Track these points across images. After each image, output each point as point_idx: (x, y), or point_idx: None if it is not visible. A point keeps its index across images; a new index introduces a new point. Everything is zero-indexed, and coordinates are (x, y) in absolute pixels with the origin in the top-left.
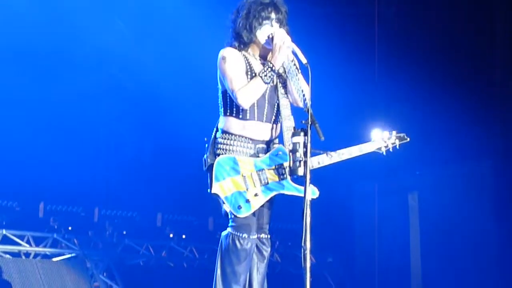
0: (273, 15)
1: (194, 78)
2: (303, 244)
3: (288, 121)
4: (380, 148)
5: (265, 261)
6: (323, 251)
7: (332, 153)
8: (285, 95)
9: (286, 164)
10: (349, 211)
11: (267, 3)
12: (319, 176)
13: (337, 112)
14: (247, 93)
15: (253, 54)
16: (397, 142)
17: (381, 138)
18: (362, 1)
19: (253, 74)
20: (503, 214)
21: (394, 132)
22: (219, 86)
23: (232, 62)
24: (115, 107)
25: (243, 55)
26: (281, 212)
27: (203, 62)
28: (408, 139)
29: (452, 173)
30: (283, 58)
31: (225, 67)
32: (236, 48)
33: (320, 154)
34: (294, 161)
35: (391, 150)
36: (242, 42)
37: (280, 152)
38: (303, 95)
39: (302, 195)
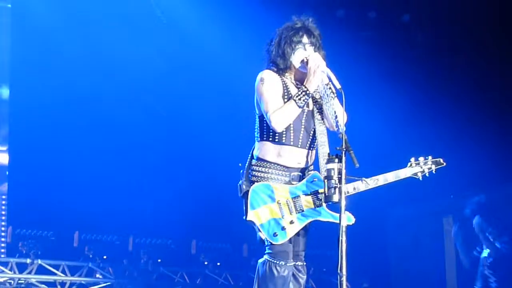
0: (305, 39)
1: (227, 106)
2: (339, 270)
3: (323, 148)
4: (416, 173)
5: None
6: (359, 277)
7: (368, 179)
8: (322, 121)
9: (321, 190)
10: (384, 236)
11: (298, 28)
12: (354, 202)
13: (372, 138)
14: (281, 115)
15: (290, 78)
16: (433, 167)
17: (417, 163)
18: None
19: (290, 98)
20: None
21: (430, 157)
22: (256, 111)
23: (270, 85)
24: (150, 136)
25: (281, 79)
26: (315, 238)
27: (237, 90)
28: (445, 164)
29: (488, 195)
30: (318, 81)
31: (263, 89)
32: (275, 72)
33: (355, 180)
34: (329, 188)
35: (427, 175)
36: (279, 68)
37: (316, 179)
38: (336, 120)
39: (338, 221)
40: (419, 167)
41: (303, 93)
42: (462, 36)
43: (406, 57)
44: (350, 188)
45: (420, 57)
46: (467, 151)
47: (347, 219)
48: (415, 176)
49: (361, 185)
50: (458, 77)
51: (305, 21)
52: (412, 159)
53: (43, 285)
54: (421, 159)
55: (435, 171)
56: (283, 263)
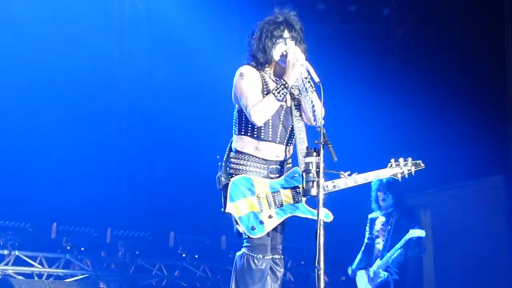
0: (286, 34)
1: (206, 99)
2: (317, 264)
3: (302, 144)
4: (396, 174)
5: (279, 281)
6: (337, 270)
7: (347, 176)
8: (300, 118)
9: (301, 186)
10: (362, 229)
11: (280, 22)
12: (332, 195)
13: (354, 138)
14: (260, 109)
15: (269, 74)
16: (413, 169)
17: (397, 164)
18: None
19: (268, 93)
20: None
21: (410, 159)
22: (235, 105)
23: (249, 79)
24: (128, 128)
25: (260, 74)
26: (293, 231)
27: (216, 83)
28: (424, 166)
29: (465, 189)
30: (296, 75)
31: (242, 84)
32: (254, 67)
33: (334, 174)
34: (307, 182)
35: (406, 176)
36: (259, 63)
37: (296, 175)
38: (314, 114)
39: (316, 218)
40: (399, 168)
41: (282, 86)
42: (443, 29)
43: (386, 51)
44: (330, 185)
45: (400, 50)
46: (446, 145)
47: (325, 216)
48: (395, 177)
49: (341, 183)
50: (440, 71)
51: (286, 14)
52: (392, 160)
53: (20, 277)
54: (401, 160)
55: (414, 173)
56: (261, 256)
